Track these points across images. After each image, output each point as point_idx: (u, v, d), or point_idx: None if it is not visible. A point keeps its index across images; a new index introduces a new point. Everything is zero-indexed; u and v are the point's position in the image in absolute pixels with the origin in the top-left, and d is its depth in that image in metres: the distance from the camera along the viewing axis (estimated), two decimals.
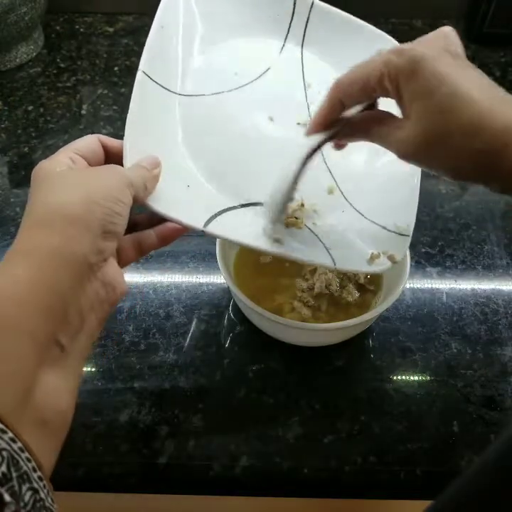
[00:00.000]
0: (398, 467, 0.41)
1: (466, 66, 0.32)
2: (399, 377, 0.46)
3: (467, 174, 0.30)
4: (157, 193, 0.34)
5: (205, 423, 0.43)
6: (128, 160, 0.34)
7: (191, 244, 0.56)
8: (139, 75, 0.39)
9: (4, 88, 0.73)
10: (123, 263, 0.32)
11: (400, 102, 0.31)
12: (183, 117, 0.40)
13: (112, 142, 0.35)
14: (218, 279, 0.53)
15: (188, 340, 0.48)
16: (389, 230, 0.41)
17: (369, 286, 0.48)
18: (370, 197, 0.43)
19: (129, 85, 0.76)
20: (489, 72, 0.77)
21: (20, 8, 0.69)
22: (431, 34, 0.34)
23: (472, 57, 0.80)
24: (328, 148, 0.37)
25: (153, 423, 0.43)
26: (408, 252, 0.45)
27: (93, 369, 0.47)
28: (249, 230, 0.37)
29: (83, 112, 0.70)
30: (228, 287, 0.44)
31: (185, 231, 0.36)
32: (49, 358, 0.26)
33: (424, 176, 0.65)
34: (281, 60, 0.46)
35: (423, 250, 0.56)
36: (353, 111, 0.34)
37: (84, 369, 0.47)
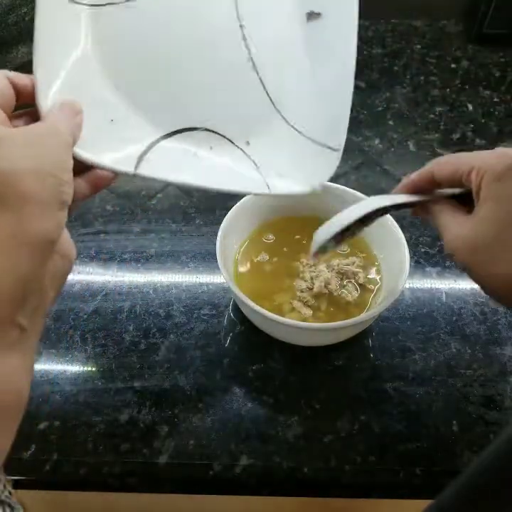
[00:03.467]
0: (398, 467, 0.42)
1: None
2: (398, 377, 0.46)
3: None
4: (80, 137, 0.31)
5: (205, 423, 0.43)
6: (43, 104, 0.31)
7: (191, 244, 0.56)
8: None
9: None
10: None
11: (477, 197, 0.31)
12: (94, 38, 0.35)
13: (21, 80, 0.31)
14: (218, 279, 0.53)
15: (188, 340, 0.48)
16: (322, 145, 0.39)
17: (369, 285, 0.48)
18: (303, 110, 0.40)
19: None
20: (489, 72, 0.78)
21: (21, 8, 0.69)
22: None
23: (472, 58, 0.80)
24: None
25: (154, 423, 0.43)
26: (407, 252, 0.45)
27: (93, 369, 0.47)
28: (181, 163, 0.35)
29: None
30: (228, 287, 0.44)
31: (114, 176, 0.33)
32: (8, 341, 0.25)
33: None
34: None
35: (423, 250, 0.56)
36: (448, 191, 0.35)
37: (85, 368, 0.47)
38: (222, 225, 0.47)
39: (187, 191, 0.61)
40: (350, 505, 0.51)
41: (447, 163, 0.33)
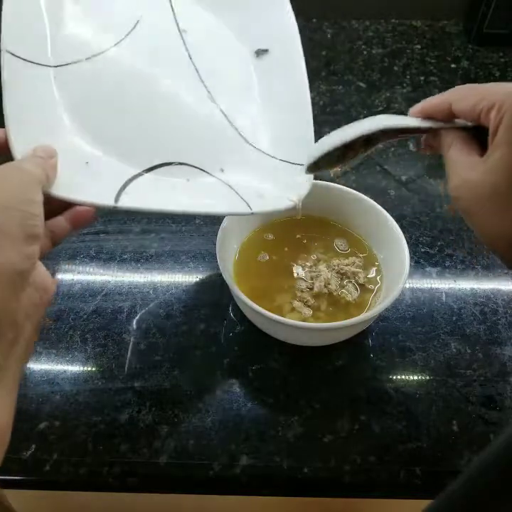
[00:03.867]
0: (398, 467, 0.42)
1: None
2: (398, 377, 0.46)
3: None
4: (58, 179, 0.33)
5: (205, 423, 0.43)
6: (17, 151, 0.32)
7: (191, 244, 0.56)
8: (3, 55, 0.35)
9: None
10: (39, 256, 0.31)
11: (492, 139, 0.28)
12: (62, 91, 0.37)
13: None
14: (218, 279, 0.53)
15: (188, 340, 0.48)
16: (296, 164, 0.40)
17: (369, 285, 0.48)
18: (269, 136, 0.42)
19: None
20: (489, 73, 0.78)
21: None
22: None
23: (472, 58, 0.80)
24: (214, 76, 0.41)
25: (154, 423, 0.43)
26: (407, 252, 0.45)
27: (93, 369, 0.47)
28: (161, 195, 0.36)
29: None
30: (228, 287, 0.44)
31: (94, 212, 0.35)
32: None
33: (425, 177, 0.65)
34: (148, 9, 0.42)
35: (422, 250, 0.56)
36: (461, 122, 0.32)
37: (85, 368, 0.47)
38: (222, 225, 0.47)
39: None
40: (350, 505, 0.51)
41: (468, 94, 0.30)
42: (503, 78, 0.77)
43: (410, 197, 0.61)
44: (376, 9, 0.85)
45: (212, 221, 0.57)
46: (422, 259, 0.55)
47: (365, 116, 0.73)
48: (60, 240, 0.34)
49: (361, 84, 0.76)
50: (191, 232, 0.52)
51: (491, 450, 0.28)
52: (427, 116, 0.32)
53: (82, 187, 0.34)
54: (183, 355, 0.47)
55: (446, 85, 0.76)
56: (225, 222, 0.47)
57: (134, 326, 0.49)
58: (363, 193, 0.50)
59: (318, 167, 0.36)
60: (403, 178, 0.63)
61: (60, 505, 0.56)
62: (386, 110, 0.72)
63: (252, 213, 0.37)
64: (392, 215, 0.48)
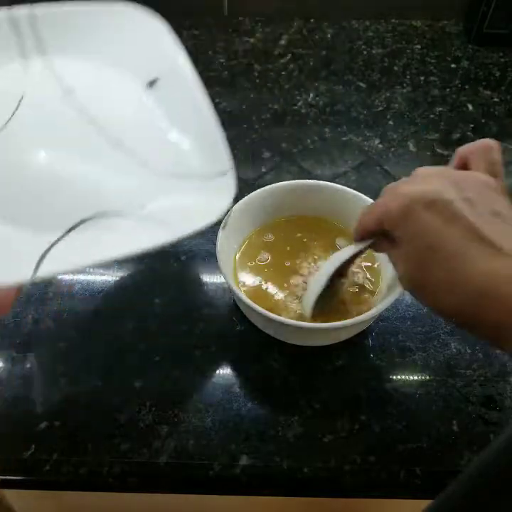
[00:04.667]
0: (398, 466, 0.42)
1: (458, 219, 0.30)
2: (398, 377, 0.46)
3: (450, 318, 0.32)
4: None
5: (205, 423, 0.43)
6: None
7: (191, 244, 0.56)
8: None
9: None
10: None
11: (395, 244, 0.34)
12: None
13: None
14: (218, 279, 0.53)
15: (188, 340, 0.48)
16: (212, 177, 0.40)
17: (369, 285, 0.48)
18: (177, 155, 0.42)
19: None
20: (489, 73, 0.78)
21: None
22: (461, 173, 0.34)
23: (472, 58, 0.80)
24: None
25: (154, 422, 0.43)
26: None
27: (93, 369, 0.47)
28: (84, 251, 0.35)
29: None
30: (228, 287, 0.44)
31: (18, 291, 0.33)
32: None
33: None
34: (30, 81, 0.42)
35: None
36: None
37: (85, 368, 0.47)
38: (222, 225, 0.47)
39: None
40: (350, 505, 0.51)
41: (365, 217, 0.36)
42: (503, 78, 0.77)
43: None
44: (376, 9, 0.85)
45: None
46: None
47: (365, 116, 0.73)
48: None
49: (361, 84, 0.76)
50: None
51: (491, 450, 0.28)
52: (362, 238, 0.38)
53: None
54: (183, 355, 0.47)
55: (446, 85, 0.76)
56: (225, 223, 0.47)
57: (134, 326, 0.49)
58: (363, 193, 0.50)
59: (321, 310, 0.44)
60: (403, 178, 0.63)
61: (60, 505, 0.56)
62: (386, 110, 0.72)
63: (179, 239, 0.37)
64: None
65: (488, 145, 0.35)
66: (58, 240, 0.36)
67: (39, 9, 0.42)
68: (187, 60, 0.43)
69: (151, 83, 0.44)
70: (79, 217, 0.38)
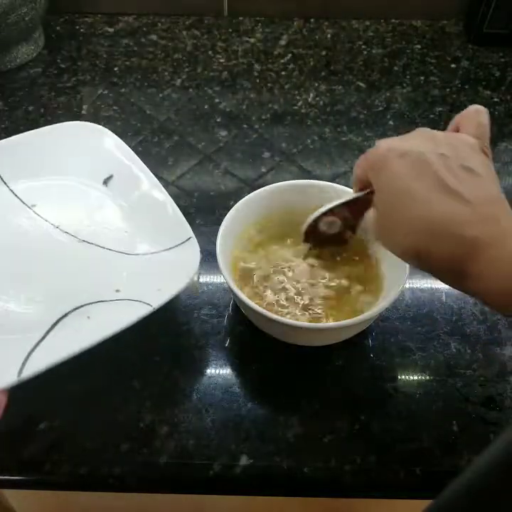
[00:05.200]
0: (398, 467, 0.42)
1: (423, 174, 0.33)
2: (398, 377, 0.46)
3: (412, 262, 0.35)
4: None
5: (205, 423, 0.43)
6: None
7: None
8: None
9: (5, 88, 0.73)
10: None
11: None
12: None
13: None
14: (218, 279, 0.53)
15: (188, 340, 0.48)
16: (177, 246, 0.45)
17: (369, 285, 0.48)
18: (142, 236, 0.48)
19: (129, 85, 0.76)
20: (489, 73, 0.78)
21: (21, 8, 0.69)
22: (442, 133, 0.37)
23: (472, 58, 0.80)
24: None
25: (154, 422, 0.43)
26: None
27: (93, 369, 0.47)
28: (67, 343, 0.38)
29: (83, 112, 0.70)
30: (228, 287, 0.44)
31: (5, 394, 0.35)
32: None
33: None
34: None
35: None
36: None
37: (85, 368, 0.46)
38: (222, 225, 0.47)
39: (187, 192, 0.61)
40: (350, 505, 0.51)
41: (356, 167, 0.39)
42: (503, 78, 0.77)
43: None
44: (376, 9, 0.85)
45: (212, 221, 0.57)
46: None
47: (365, 116, 0.73)
48: None
49: (361, 84, 0.76)
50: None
51: (491, 450, 0.28)
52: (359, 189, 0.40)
53: None
54: (183, 355, 0.47)
55: (446, 85, 0.76)
56: (225, 223, 0.47)
57: (134, 326, 0.49)
58: None
59: (308, 240, 0.46)
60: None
61: (60, 505, 0.56)
62: (386, 110, 0.72)
63: (155, 309, 0.41)
64: None
65: (477, 109, 0.37)
66: (40, 340, 0.40)
67: None
68: (133, 154, 0.51)
69: (106, 181, 0.51)
70: (59, 314, 0.42)
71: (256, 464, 0.42)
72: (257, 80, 0.75)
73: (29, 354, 0.38)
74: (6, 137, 0.66)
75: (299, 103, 0.72)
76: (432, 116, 0.71)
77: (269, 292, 0.47)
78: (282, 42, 0.82)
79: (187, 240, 0.45)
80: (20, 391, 0.45)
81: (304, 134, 0.68)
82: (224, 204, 0.54)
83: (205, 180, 0.62)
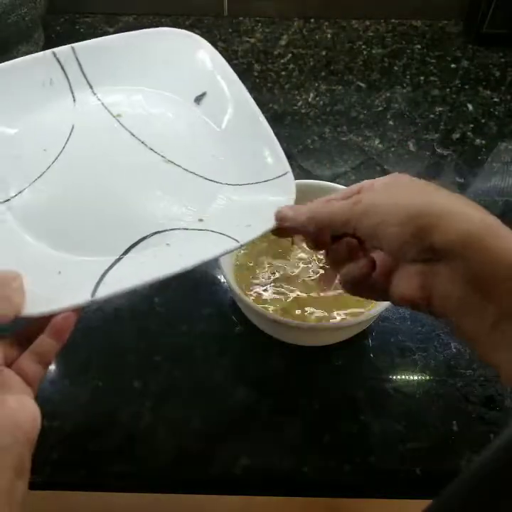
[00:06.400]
0: (398, 467, 0.42)
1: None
2: (398, 377, 0.46)
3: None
4: (31, 296, 0.32)
5: (205, 423, 0.43)
6: None
7: None
8: None
9: None
10: (34, 388, 0.31)
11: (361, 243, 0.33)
12: (19, 221, 0.39)
13: None
14: (218, 279, 0.53)
15: (188, 340, 0.48)
16: (271, 180, 0.40)
17: None
18: (233, 165, 0.42)
19: None
20: (489, 73, 0.78)
21: (21, 8, 0.68)
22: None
23: (472, 58, 0.80)
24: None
25: (154, 423, 0.43)
26: None
27: (93, 369, 0.47)
28: (143, 269, 0.35)
29: None
30: (228, 287, 0.44)
31: (77, 314, 0.33)
32: None
33: (425, 177, 0.65)
34: (79, 111, 0.44)
35: None
36: None
37: (85, 368, 0.47)
38: None
39: None
40: (350, 505, 0.51)
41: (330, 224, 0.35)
42: (503, 78, 0.77)
43: None
44: (376, 9, 0.85)
45: None
46: None
47: (365, 116, 0.73)
48: (50, 360, 0.32)
49: (361, 84, 0.76)
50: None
51: (490, 450, 0.28)
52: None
53: (58, 295, 0.33)
54: (183, 355, 0.47)
55: (446, 85, 0.76)
56: None
57: (134, 326, 0.49)
58: None
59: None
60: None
61: (60, 505, 0.56)
62: (386, 110, 0.72)
63: (242, 245, 0.37)
64: None
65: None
66: (117, 261, 0.37)
67: (78, 45, 0.46)
68: (231, 71, 0.45)
69: (198, 99, 0.45)
70: (138, 236, 0.38)
71: (256, 464, 0.42)
72: (257, 80, 0.75)
73: (103, 275, 0.35)
74: None
75: (299, 103, 0.72)
76: (431, 116, 0.71)
77: (269, 292, 0.47)
78: (282, 42, 0.82)
79: (283, 175, 0.40)
80: None
81: (304, 134, 0.68)
82: None
83: None
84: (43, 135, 0.42)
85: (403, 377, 0.46)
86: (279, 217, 0.36)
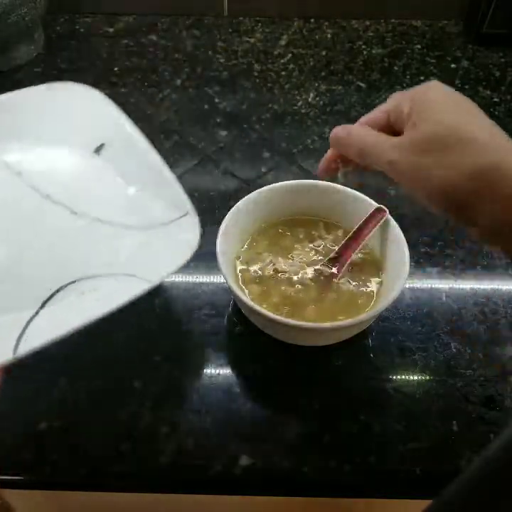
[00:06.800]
0: (398, 466, 0.42)
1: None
2: (398, 377, 0.46)
3: (456, 194, 0.30)
4: None
5: (205, 423, 0.43)
6: None
7: None
8: None
9: (4, 88, 0.73)
10: None
11: (408, 117, 0.34)
12: None
13: None
14: (218, 279, 0.53)
15: (188, 340, 0.48)
16: (176, 220, 0.42)
17: (369, 285, 0.48)
18: (141, 208, 0.44)
19: (129, 85, 0.76)
20: (489, 73, 0.78)
21: (21, 8, 0.69)
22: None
23: (472, 58, 0.80)
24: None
25: (154, 422, 0.43)
26: (407, 252, 0.45)
27: (93, 368, 0.47)
28: (64, 319, 0.36)
29: None
30: (228, 287, 0.44)
31: (1, 371, 0.34)
32: None
33: None
34: None
35: (422, 250, 0.56)
36: None
37: (85, 368, 0.47)
38: (222, 225, 0.47)
39: (187, 192, 0.61)
40: (350, 505, 0.51)
41: (391, 99, 0.38)
42: (503, 78, 0.77)
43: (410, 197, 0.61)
44: (376, 9, 0.85)
45: (212, 221, 0.57)
46: (422, 259, 0.55)
47: None
48: None
49: (361, 84, 0.76)
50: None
51: (490, 450, 0.28)
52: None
53: None
54: (183, 355, 0.47)
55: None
56: (225, 223, 0.47)
57: (134, 326, 0.49)
58: (362, 193, 0.50)
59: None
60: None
61: (60, 505, 0.56)
62: None
63: (154, 285, 0.38)
64: (392, 215, 0.48)
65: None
66: (34, 315, 0.37)
67: None
68: (129, 121, 0.45)
69: (98, 149, 0.46)
70: (54, 287, 0.39)
71: (256, 464, 0.42)
72: (257, 80, 0.75)
73: (23, 331, 0.36)
74: None
75: (299, 103, 0.72)
76: None
77: (269, 292, 0.47)
78: (282, 42, 0.82)
79: (185, 215, 0.42)
80: (20, 391, 0.45)
81: (304, 134, 0.68)
82: (224, 204, 0.54)
83: (205, 180, 0.62)
84: None
85: (403, 377, 0.46)
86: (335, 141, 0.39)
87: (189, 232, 0.41)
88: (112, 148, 0.46)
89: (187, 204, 0.42)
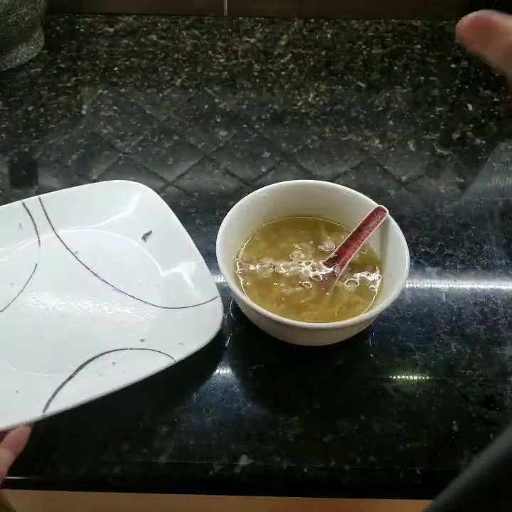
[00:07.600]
0: (398, 466, 0.42)
1: None
2: (398, 377, 0.46)
3: None
4: None
5: (205, 423, 0.43)
6: None
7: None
8: None
9: (4, 88, 0.73)
10: None
11: None
12: None
13: None
14: (218, 279, 0.53)
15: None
16: (202, 304, 0.47)
17: (369, 285, 0.48)
18: (171, 289, 0.50)
19: (129, 85, 0.76)
20: (489, 73, 0.78)
21: (21, 8, 0.69)
22: None
23: (472, 58, 0.80)
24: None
25: (153, 423, 0.43)
26: (407, 252, 0.45)
27: None
28: (90, 387, 0.41)
29: (83, 112, 0.70)
30: (228, 287, 0.44)
31: (31, 427, 0.39)
32: None
33: (425, 177, 0.65)
34: (43, 251, 0.52)
35: (422, 250, 0.56)
36: None
37: None
38: (222, 225, 0.47)
39: (187, 192, 0.61)
40: (350, 505, 0.51)
41: None
42: (503, 78, 0.77)
43: (410, 197, 0.61)
44: (376, 9, 0.85)
45: (212, 221, 0.57)
46: (422, 259, 0.55)
47: (365, 116, 0.73)
48: (4, 471, 0.36)
49: (361, 84, 0.76)
50: (191, 232, 0.52)
51: (490, 450, 0.28)
52: None
53: (13, 411, 0.39)
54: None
55: (446, 85, 0.76)
56: (225, 223, 0.47)
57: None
58: (362, 193, 0.50)
59: None
60: (403, 178, 0.63)
61: (60, 505, 0.56)
62: (386, 110, 0.72)
63: (176, 362, 0.42)
64: (392, 215, 0.48)
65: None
66: (68, 379, 0.43)
67: (45, 196, 0.54)
68: (172, 213, 0.53)
69: (145, 236, 0.53)
70: (88, 356, 0.45)
71: (256, 464, 0.42)
72: (257, 80, 0.75)
73: (55, 392, 0.41)
74: (7, 137, 0.66)
75: (299, 103, 0.72)
76: (432, 116, 0.71)
77: (269, 292, 0.47)
78: (282, 42, 0.82)
79: (212, 299, 0.47)
80: None
81: (303, 134, 0.68)
82: (224, 204, 0.54)
83: (205, 180, 0.62)
84: (10, 272, 0.50)
85: (403, 377, 0.46)
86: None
87: (213, 315, 0.46)
88: (157, 236, 0.53)
89: (215, 290, 0.47)
